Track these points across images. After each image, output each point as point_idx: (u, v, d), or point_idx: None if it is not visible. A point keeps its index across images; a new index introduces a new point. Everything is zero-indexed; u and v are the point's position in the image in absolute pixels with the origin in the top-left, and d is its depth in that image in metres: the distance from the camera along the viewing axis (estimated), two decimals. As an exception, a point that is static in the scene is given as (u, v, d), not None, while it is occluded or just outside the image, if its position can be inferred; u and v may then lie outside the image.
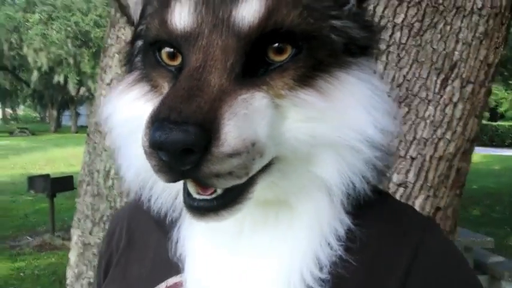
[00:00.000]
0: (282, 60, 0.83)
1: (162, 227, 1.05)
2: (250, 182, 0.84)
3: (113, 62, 2.96)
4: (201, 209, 0.82)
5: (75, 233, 3.11)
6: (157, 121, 0.74)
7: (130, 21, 1.05)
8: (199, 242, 0.99)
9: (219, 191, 0.81)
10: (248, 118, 0.78)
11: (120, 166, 1.02)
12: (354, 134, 0.85)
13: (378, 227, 0.98)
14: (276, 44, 0.83)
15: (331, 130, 0.84)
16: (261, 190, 0.87)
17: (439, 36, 2.06)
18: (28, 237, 9.09)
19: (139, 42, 0.99)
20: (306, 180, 0.89)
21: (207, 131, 0.73)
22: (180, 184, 0.87)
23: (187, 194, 0.83)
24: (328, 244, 0.91)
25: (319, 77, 0.85)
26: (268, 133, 0.80)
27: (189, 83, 0.78)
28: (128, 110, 0.97)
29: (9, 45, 30.40)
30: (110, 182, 2.98)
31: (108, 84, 2.98)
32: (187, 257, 0.99)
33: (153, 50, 0.91)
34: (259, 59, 0.84)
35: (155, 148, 0.74)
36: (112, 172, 2.97)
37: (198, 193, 0.82)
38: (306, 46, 0.84)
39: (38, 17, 29.83)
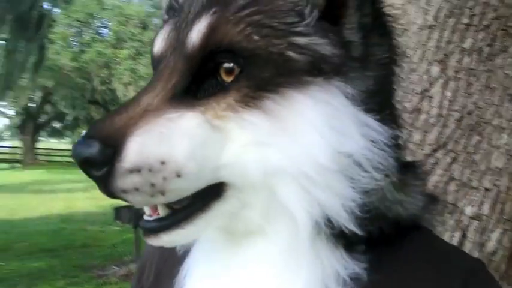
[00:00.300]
0: (230, 81, 0.81)
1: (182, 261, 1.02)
2: (201, 207, 0.83)
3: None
4: (145, 230, 0.84)
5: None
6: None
7: None
8: (196, 274, 0.96)
9: (162, 214, 0.83)
10: (163, 136, 0.77)
11: None
12: (304, 160, 0.78)
13: (406, 271, 0.89)
14: (224, 64, 0.81)
15: (281, 156, 0.78)
16: (227, 220, 0.86)
17: (510, 60, 1.95)
18: (114, 267, 9.30)
19: None
20: (275, 211, 0.83)
21: (110, 146, 0.75)
22: None
23: (144, 218, 0.85)
24: None
25: (266, 98, 0.80)
26: (192, 154, 0.78)
27: (125, 103, 0.81)
28: None
29: (100, 80, 31.74)
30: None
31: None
32: None
33: None
34: (210, 80, 0.83)
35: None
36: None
37: (150, 215, 0.84)
38: (249, 65, 0.80)
39: (127, 52, 31.04)
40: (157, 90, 0.81)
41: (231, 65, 0.81)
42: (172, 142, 0.77)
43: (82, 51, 31.65)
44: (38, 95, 35.76)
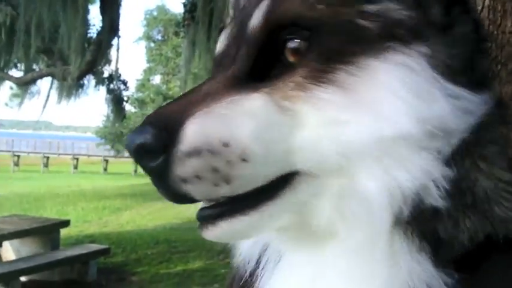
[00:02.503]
0: (296, 60, 0.75)
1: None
2: (268, 195, 0.73)
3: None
4: (201, 220, 0.76)
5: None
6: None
7: None
8: None
9: (221, 200, 0.74)
10: (225, 118, 0.71)
11: None
12: (389, 133, 0.70)
13: None
14: (289, 44, 0.76)
15: (362, 132, 0.70)
16: (296, 213, 0.76)
17: None
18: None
19: None
20: (350, 200, 0.72)
21: (166, 130, 0.70)
22: (266, 237, 0.85)
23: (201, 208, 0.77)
24: None
25: (338, 70, 0.73)
26: (257, 136, 0.71)
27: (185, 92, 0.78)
28: None
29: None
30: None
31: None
32: None
33: None
34: (275, 62, 0.77)
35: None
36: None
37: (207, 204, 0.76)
38: (316, 37, 0.74)
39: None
40: (218, 78, 0.77)
41: (297, 42, 0.75)
42: (235, 123, 0.71)
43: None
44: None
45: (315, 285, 0.79)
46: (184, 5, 11.11)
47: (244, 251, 0.90)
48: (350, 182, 0.72)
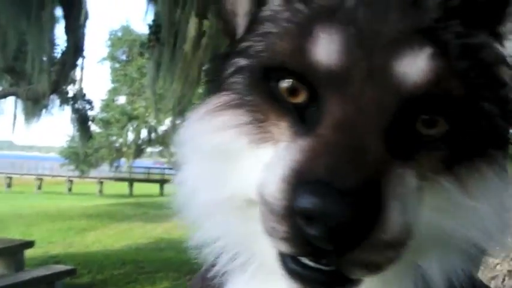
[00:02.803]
0: (431, 135, 0.74)
1: None
2: None
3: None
4: (313, 281, 0.71)
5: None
6: (314, 183, 0.64)
7: (227, 30, 0.91)
8: None
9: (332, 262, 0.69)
10: (406, 201, 0.68)
11: (184, 207, 0.88)
12: (484, 237, 0.76)
13: None
14: (430, 115, 0.73)
15: (457, 227, 0.74)
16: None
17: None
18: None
19: (242, 61, 0.84)
20: (405, 269, 0.77)
21: (373, 209, 0.64)
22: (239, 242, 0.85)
23: (289, 255, 0.72)
24: None
25: (463, 166, 0.75)
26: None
27: (343, 139, 0.68)
28: (214, 137, 0.83)
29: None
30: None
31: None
32: None
33: (268, 78, 0.79)
34: (406, 127, 0.73)
35: (302, 214, 0.64)
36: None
37: (309, 258, 0.70)
38: (461, 124, 0.74)
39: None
40: (375, 133, 0.70)
41: (437, 117, 0.74)
42: (410, 208, 0.69)
43: None
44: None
45: None
46: (150, 26, 11.09)
47: (213, 254, 0.89)
48: (416, 257, 0.76)
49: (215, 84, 0.90)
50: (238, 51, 0.86)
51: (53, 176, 38.10)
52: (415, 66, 0.71)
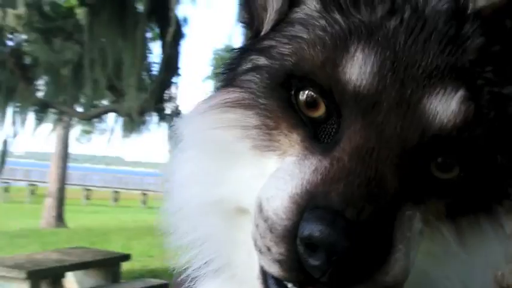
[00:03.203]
0: (444, 179, 0.71)
1: None
2: None
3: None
4: None
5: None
6: (324, 209, 0.61)
7: (252, 24, 0.87)
8: None
9: None
10: (410, 244, 0.66)
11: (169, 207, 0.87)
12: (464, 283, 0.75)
13: None
14: (448, 159, 0.71)
15: (443, 275, 0.73)
16: None
17: None
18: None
19: (262, 60, 0.80)
20: None
21: (383, 249, 0.61)
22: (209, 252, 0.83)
23: (276, 284, 0.68)
24: None
25: (466, 218, 0.74)
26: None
27: (361, 167, 0.65)
28: (216, 134, 0.79)
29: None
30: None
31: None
32: None
33: (289, 84, 0.75)
34: (422, 167, 0.70)
35: (305, 241, 0.60)
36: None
37: (296, 285, 0.67)
38: (474, 173, 0.72)
39: None
40: (394, 167, 0.67)
41: (454, 162, 0.72)
42: (412, 251, 0.67)
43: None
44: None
45: None
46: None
47: (187, 257, 0.87)
48: None
49: (226, 78, 0.86)
50: (260, 48, 0.81)
51: (157, 191, 39.32)
52: (447, 106, 0.69)
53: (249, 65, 0.81)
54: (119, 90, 10.94)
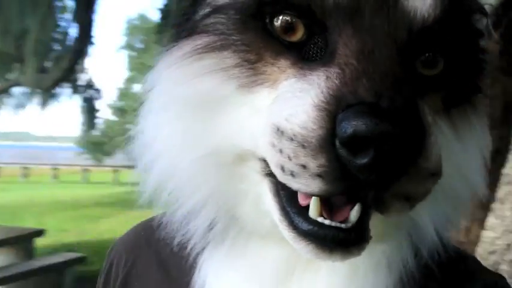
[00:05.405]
0: (432, 74, 0.73)
1: (175, 262, 0.90)
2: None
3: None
4: (332, 240, 0.65)
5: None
6: (359, 105, 0.59)
7: None
8: (231, 282, 0.82)
9: (353, 220, 0.65)
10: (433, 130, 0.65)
11: (145, 164, 0.81)
12: (465, 184, 0.79)
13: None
14: (433, 53, 0.73)
15: (446, 170, 0.69)
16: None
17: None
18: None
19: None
20: (396, 218, 0.74)
21: (421, 132, 0.60)
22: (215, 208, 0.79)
23: (298, 214, 0.67)
24: None
25: (456, 109, 0.78)
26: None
27: (371, 65, 0.63)
28: (194, 84, 0.74)
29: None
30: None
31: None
32: None
33: (263, 14, 0.72)
34: (410, 66, 0.71)
35: (348, 141, 0.58)
36: None
37: (322, 217, 0.66)
38: (455, 65, 0.75)
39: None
40: (395, 62, 0.67)
41: (439, 56, 0.74)
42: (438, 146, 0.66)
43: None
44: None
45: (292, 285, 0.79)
46: (161, 12, 10.96)
47: (193, 221, 0.82)
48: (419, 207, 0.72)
49: (185, 28, 0.80)
50: None
51: (69, 165, 38.33)
52: (423, 1, 0.70)
53: (207, 9, 0.78)
54: (26, 61, 10.51)
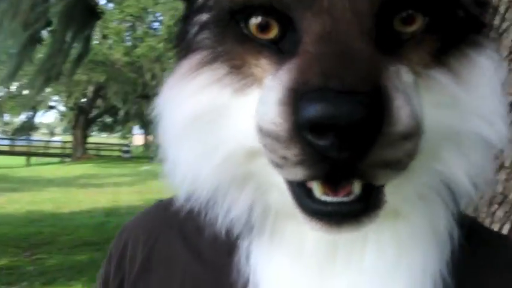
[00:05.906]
0: (412, 31, 0.73)
1: (215, 245, 0.90)
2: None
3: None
4: (337, 215, 0.68)
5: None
6: (312, 92, 0.61)
7: None
8: (278, 266, 0.83)
9: (356, 192, 0.67)
10: (408, 94, 0.66)
11: (172, 170, 0.84)
12: (486, 125, 0.75)
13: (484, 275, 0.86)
14: (407, 12, 0.72)
15: (460, 119, 0.75)
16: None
17: None
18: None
19: (204, 16, 0.82)
20: (426, 180, 0.77)
21: (379, 103, 0.61)
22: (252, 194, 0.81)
23: (306, 196, 0.70)
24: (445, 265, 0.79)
25: (451, 55, 0.75)
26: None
27: (330, 48, 0.65)
28: (197, 99, 0.80)
29: (152, 74, 31.80)
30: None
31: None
32: (260, 284, 0.83)
33: (237, 21, 0.76)
34: (385, 28, 0.71)
35: (309, 127, 0.60)
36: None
37: (327, 195, 0.68)
38: (439, 15, 0.74)
39: (179, 47, 31.01)
40: (359, 36, 0.67)
41: (413, 13, 0.72)
42: (414, 101, 0.67)
43: (135, 46, 31.89)
44: (90, 90, 36.25)
45: (337, 264, 0.80)
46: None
47: (234, 207, 0.83)
48: (434, 162, 0.76)
49: (183, 49, 0.86)
50: (197, 8, 0.83)
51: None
52: None
53: (196, 27, 0.83)
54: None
